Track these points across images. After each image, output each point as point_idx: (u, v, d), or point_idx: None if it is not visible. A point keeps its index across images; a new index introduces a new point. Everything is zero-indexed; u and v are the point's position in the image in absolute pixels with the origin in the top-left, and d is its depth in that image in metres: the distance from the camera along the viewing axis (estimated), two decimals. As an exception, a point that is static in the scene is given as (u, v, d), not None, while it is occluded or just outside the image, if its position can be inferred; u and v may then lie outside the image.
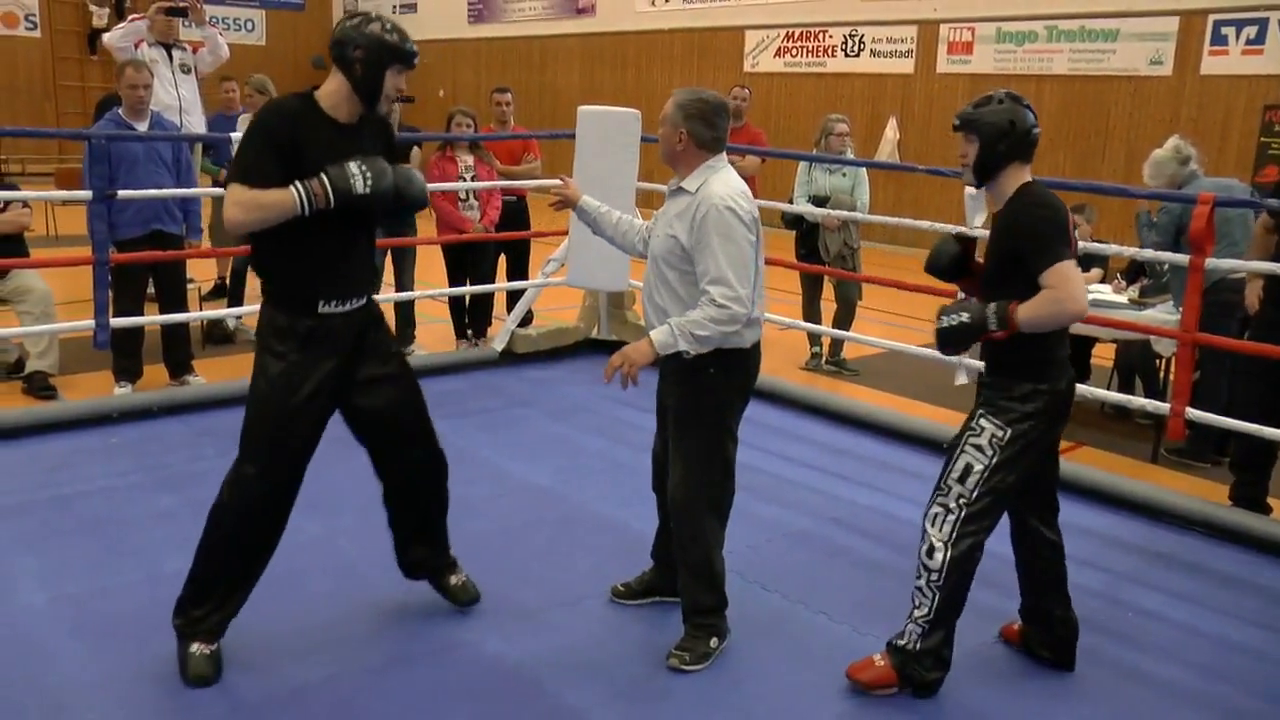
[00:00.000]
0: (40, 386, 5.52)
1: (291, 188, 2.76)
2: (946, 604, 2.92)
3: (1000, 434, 2.90)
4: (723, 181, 3.01)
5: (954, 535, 2.89)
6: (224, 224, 2.88)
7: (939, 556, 2.90)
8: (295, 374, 2.93)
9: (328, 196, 2.77)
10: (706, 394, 3.08)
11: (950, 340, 2.98)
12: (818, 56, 13.16)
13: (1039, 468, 3.04)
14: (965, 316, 2.92)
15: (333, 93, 2.88)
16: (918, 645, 2.95)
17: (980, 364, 3.17)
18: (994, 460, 2.89)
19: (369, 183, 2.80)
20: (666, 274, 3.06)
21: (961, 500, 2.90)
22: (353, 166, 2.79)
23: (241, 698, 2.91)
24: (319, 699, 2.92)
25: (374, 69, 2.84)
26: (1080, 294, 2.79)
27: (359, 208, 2.84)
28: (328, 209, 2.79)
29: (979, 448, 2.91)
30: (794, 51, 13.42)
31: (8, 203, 5.73)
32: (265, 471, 2.99)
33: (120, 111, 5.59)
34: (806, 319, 6.69)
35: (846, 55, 12.83)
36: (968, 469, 2.91)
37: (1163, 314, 5.37)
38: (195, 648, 2.96)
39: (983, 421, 2.94)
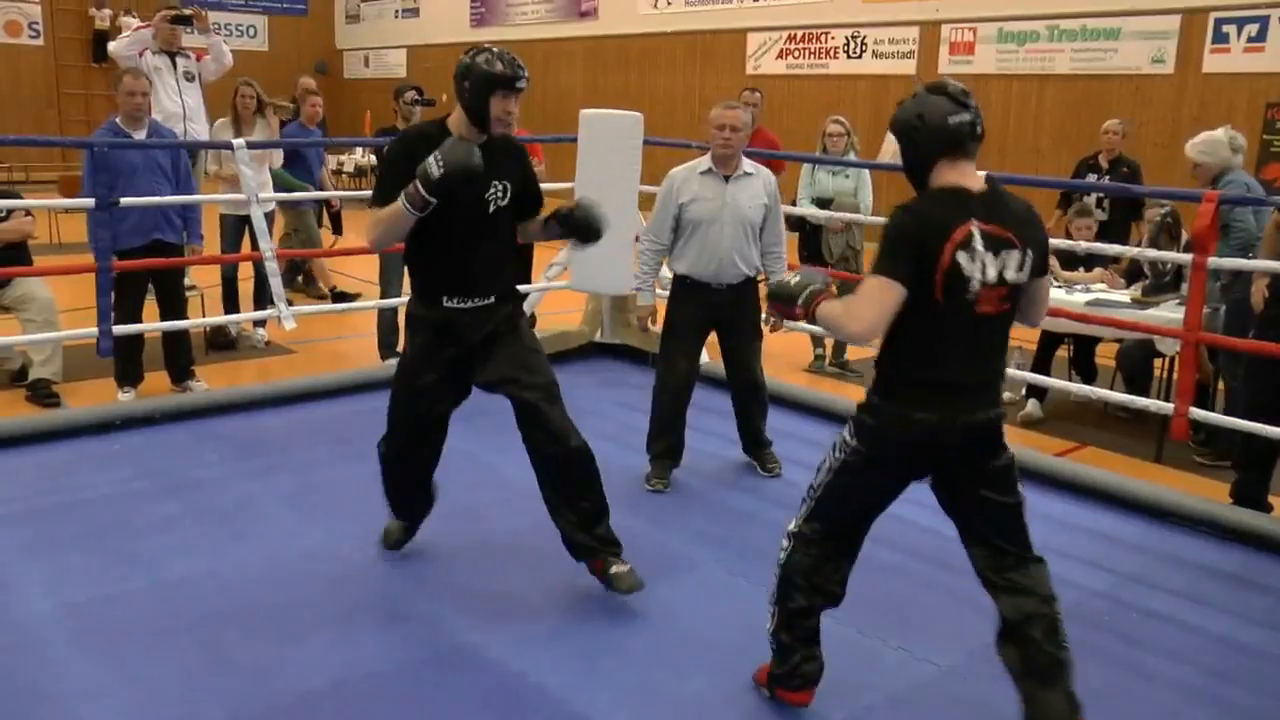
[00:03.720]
0: (43, 394, 5.53)
1: (399, 197, 3.13)
2: (774, 598, 2.86)
3: (843, 447, 2.71)
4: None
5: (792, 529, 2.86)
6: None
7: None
8: (420, 358, 3.46)
9: (419, 191, 3.09)
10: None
11: (773, 297, 2.79)
12: (820, 58, 13.16)
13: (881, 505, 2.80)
14: (793, 281, 2.72)
15: (457, 119, 3.31)
16: (770, 641, 2.92)
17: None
18: (829, 476, 2.75)
19: (441, 163, 3.06)
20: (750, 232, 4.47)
21: (809, 492, 2.83)
22: (430, 157, 3.08)
23: (246, 706, 2.90)
24: (324, 706, 2.92)
25: (480, 97, 3.22)
26: (866, 317, 2.50)
27: (447, 191, 3.11)
28: (428, 204, 3.12)
29: (831, 449, 2.75)
30: (796, 54, 13.42)
31: (10, 211, 5.74)
32: (393, 433, 3.64)
33: (118, 120, 5.59)
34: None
35: (849, 57, 12.83)
36: (819, 467, 2.79)
37: (1166, 313, 5.36)
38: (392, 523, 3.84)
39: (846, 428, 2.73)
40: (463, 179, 3.11)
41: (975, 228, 2.49)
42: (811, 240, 6.81)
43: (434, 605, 3.48)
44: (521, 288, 6.57)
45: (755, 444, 4.82)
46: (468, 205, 3.26)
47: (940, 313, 2.52)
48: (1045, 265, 2.66)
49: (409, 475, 3.70)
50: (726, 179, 4.45)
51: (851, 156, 6.95)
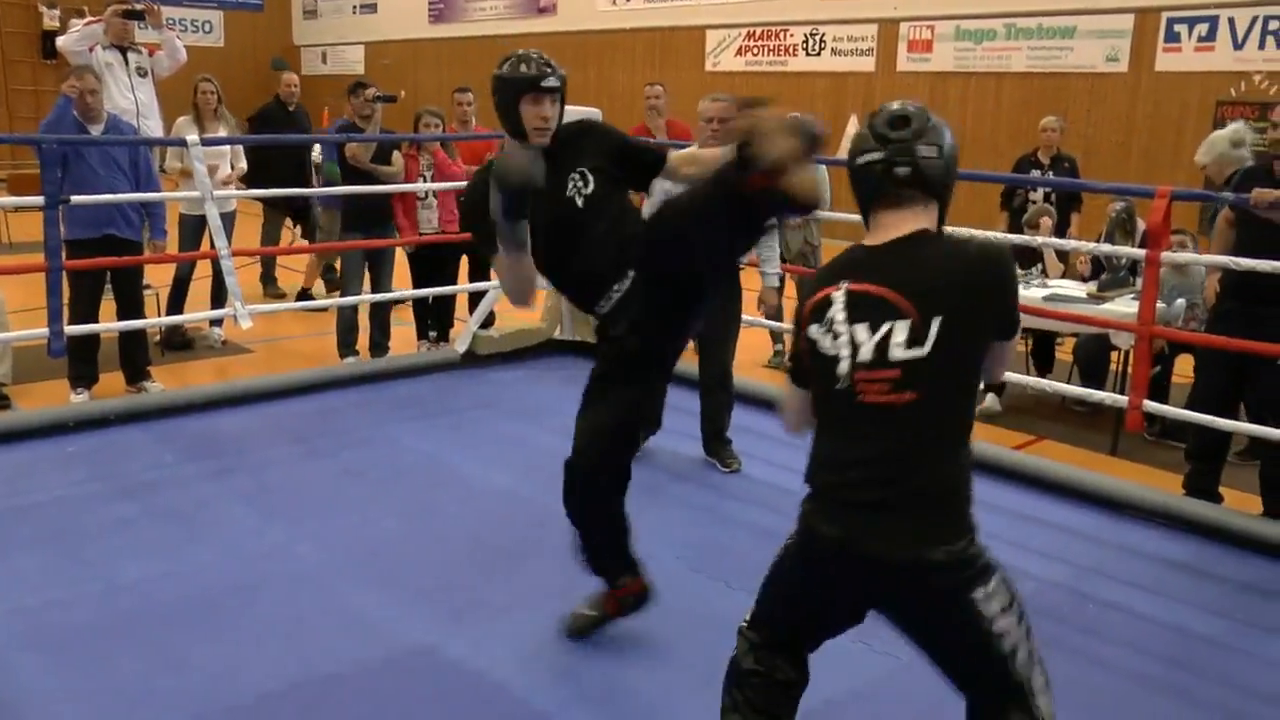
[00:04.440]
0: (-5, 396, 5.43)
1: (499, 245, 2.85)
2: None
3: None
4: None
5: None
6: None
7: None
8: (600, 360, 3.21)
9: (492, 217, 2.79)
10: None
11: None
12: (779, 55, 13.20)
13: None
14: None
15: (509, 139, 3.11)
16: None
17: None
18: (774, 560, 2.24)
19: (499, 191, 2.73)
20: None
21: None
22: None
23: (204, 708, 2.87)
24: (283, 708, 2.89)
25: (509, 105, 2.98)
26: (788, 414, 2.23)
27: (521, 213, 2.76)
28: (515, 227, 2.77)
29: None
30: (755, 50, 13.45)
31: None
32: (611, 478, 3.29)
33: (65, 114, 5.51)
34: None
35: (808, 54, 12.88)
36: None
37: (1121, 307, 5.43)
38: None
39: None
40: (520, 189, 2.71)
41: (838, 292, 1.99)
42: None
43: (393, 605, 3.46)
44: (481, 285, 6.61)
45: (716, 439, 4.83)
46: (551, 216, 2.97)
47: (821, 404, 2.07)
48: (1001, 329, 2.03)
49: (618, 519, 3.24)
50: None
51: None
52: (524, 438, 5.11)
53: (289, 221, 8.63)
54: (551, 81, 2.96)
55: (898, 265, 1.97)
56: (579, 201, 2.99)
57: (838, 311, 1.98)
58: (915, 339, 1.90)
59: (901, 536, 1.93)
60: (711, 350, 4.74)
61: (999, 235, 5.39)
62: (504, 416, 5.47)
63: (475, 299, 6.70)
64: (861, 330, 1.94)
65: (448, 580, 3.65)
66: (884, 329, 1.92)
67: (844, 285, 1.98)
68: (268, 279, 8.36)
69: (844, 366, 1.95)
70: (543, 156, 2.95)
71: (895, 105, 2.10)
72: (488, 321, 6.62)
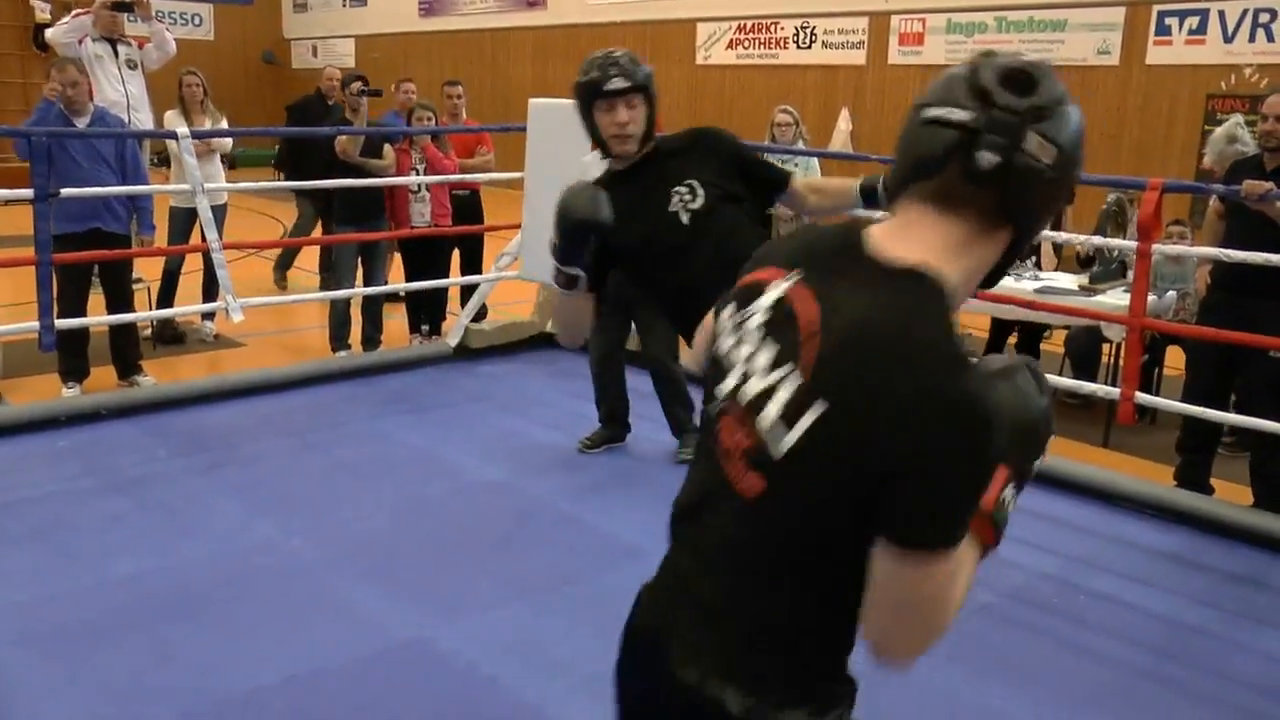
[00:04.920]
0: (-16, 391, 5.41)
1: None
2: None
3: None
4: None
5: None
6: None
7: None
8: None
9: (559, 271, 2.50)
10: None
11: None
12: (770, 48, 13.19)
13: None
14: None
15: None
16: None
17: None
18: None
19: (556, 231, 2.46)
20: None
21: None
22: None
23: (196, 702, 2.87)
24: (274, 702, 2.89)
25: (584, 115, 2.69)
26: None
27: (581, 255, 2.48)
28: (576, 279, 2.50)
29: None
30: (746, 44, 13.44)
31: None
32: None
33: (48, 106, 5.49)
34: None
35: (799, 47, 12.87)
36: None
37: (1113, 299, 5.44)
38: None
39: None
40: (578, 229, 2.43)
41: (783, 285, 1.26)
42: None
43: (384, 599, 3.45)
44: (473, 279, 6.60)
45: (678, 431, 4.79)
46: (650, 232, 2.67)
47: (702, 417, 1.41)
48: (895, 521, 1.14)
49: None
50: None
51: (800, 146, 6.98)
52: (516, 431, 5.11)
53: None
54: (617, 83, 2.58)
55: (854, 297, 1.19)
56: (684, 217, 2.68)
57: (762, 313, 1.27)
58: (787, 414, 1.18)
59: (704, 667, 1.29)
60: (645, 341, 4.82)
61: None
62: (496, 409, 5.46)
63: (467, 292, 6.69)
64: (765, 355, 1.24)
65: (439, 573, 3.64)
66: (778, 374, 1.21)
67: (793, 281, 1.25)
68: (284, 266, 8.27)
69: (726, 385, 1.28)
70: (623, 180, 2.66)
71: (1016, 59, 1.29)
72: (480, 315, 6.62)
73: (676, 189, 2.68)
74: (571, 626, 3.33)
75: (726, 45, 13.65)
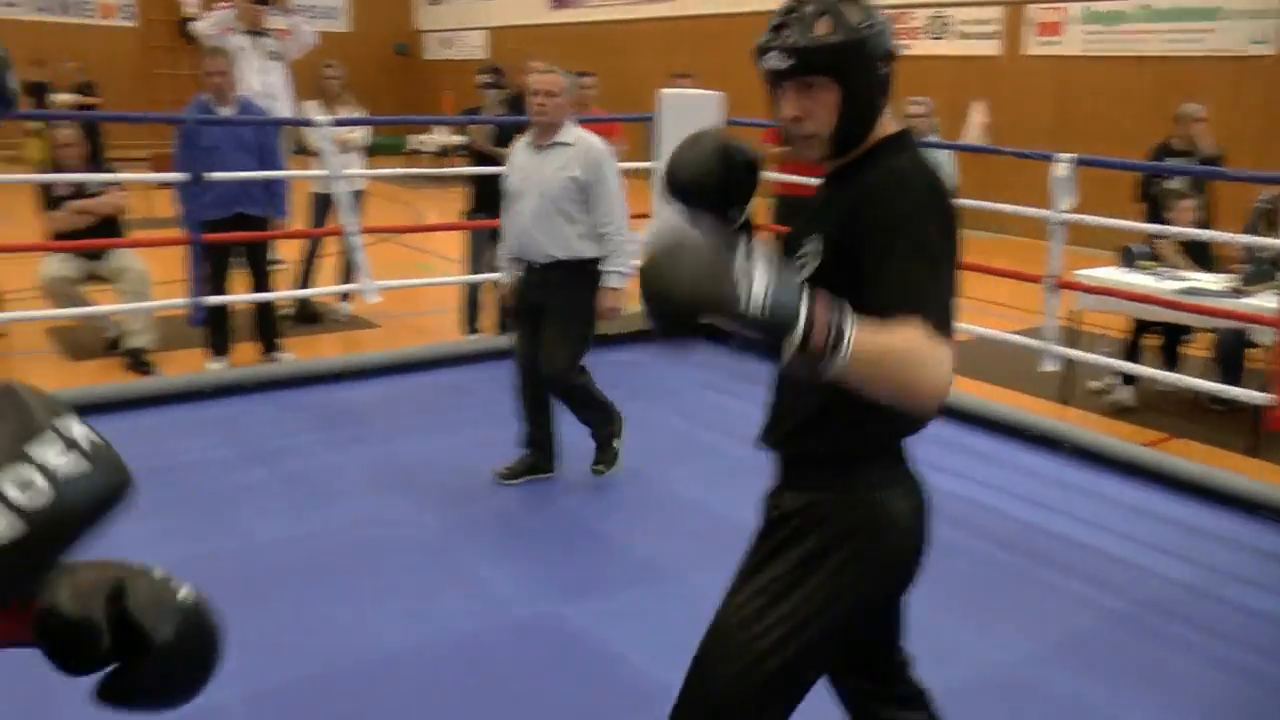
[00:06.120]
0: (139, 362, 5.69)
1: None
2: None
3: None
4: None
5: None
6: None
7: None
8: None
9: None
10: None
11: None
12: (901, 39, 12.96)
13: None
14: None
15: None
16: None
17: (1065, 350, 3.07)
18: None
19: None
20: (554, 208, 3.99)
21: None
22: None
23: (334, 662, 2.97)
24: (406, 668, 2.98)
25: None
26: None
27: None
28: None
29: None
30: (877, 34, 13.24)
31: (106, 186, 5.92)
32: None
33: (203, 97, 5.75)
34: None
35: (932, 38, 12.62)
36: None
37: (1265, 302, 5.20)
38: None
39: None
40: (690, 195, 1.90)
41: None
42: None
43: (514, 575, 3.52)
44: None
45: (603, 446, 4.36)
46: None
47: None
48: None
49: None
50: (540, 149, 4.09)
51: (933, 139, 6.84)
52: (648, 418, 5.11)
53: None
54: (774, 61, 1.66)
55: None
56: (804, 271, 1.75)
57: None
58: None
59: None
60: (541, 348, 4.16)
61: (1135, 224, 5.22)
62: (627, 396, 5.48)
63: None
64: None
65: (568, 555, 3.70)
66: None
67: None
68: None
69: None
70: (823, 189, 1.81)
71: None
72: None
73: (813, 237, 1.72)
74: (699, 611, 3.33)
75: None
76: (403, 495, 4.13)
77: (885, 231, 1.58)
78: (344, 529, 3.83)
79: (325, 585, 3.41)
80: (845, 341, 1.42)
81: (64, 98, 12.06)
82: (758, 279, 1.39)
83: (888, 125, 1.74)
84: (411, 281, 7.29)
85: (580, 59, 16.38)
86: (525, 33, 18.08)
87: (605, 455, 4.32)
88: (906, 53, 12.81)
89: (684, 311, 1.42)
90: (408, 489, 4.18)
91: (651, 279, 1.42)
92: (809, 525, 1.73)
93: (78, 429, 0.92)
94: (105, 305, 5.83)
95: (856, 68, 1.67)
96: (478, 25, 19.72)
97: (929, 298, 1.53)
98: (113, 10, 17.57)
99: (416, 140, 16.64)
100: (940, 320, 1.52)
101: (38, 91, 13.04)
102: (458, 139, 13.37)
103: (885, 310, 1.49)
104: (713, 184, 1.90)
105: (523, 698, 2.87)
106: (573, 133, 4.07)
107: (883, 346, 1.45)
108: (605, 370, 5.93)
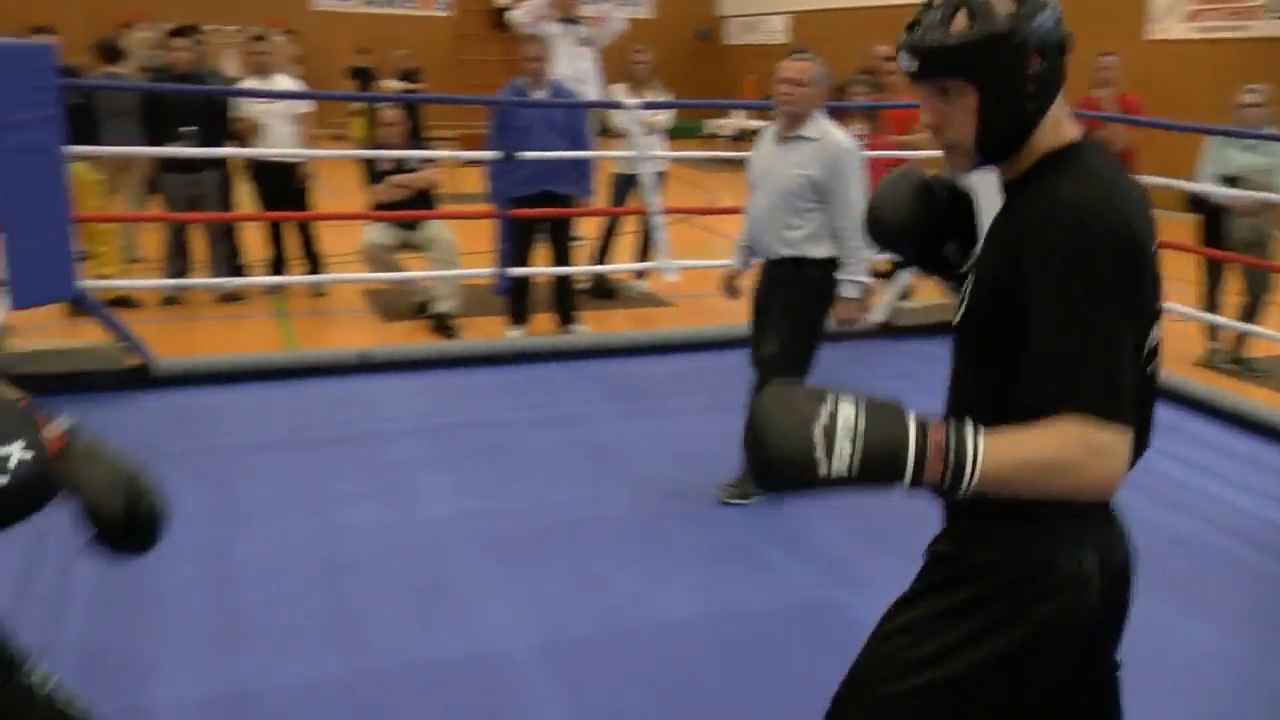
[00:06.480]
0: (445, 326, 6.10)
1: None
2: None
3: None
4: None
5: None
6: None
7: None
8: None
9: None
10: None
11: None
12: (1237, 20, 11.89)
13: None
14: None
15: None
16: None
17: None
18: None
19: None
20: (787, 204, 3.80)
21: None
22: None
23: (619, 623, 3.07)
24: (690, 636, 3.04)
25: None
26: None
27: None
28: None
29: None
30: (1209, 14, 12.19)
31: (423, 162, 6.37)
32: None
33: (518, 82, 6.06)
34: (1206, 310, 6.13)
35: (1273, 17, 11.49)
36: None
37: None
38: None
39: None
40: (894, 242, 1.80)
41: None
42: (1213, 222, 6.21)
43: (795, 558, 3.53)
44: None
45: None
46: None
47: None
48: None
49: None
50: (783, 140, 3.88)
51: (1270, 130, 6.24)
52: (933, 411, 4.99)
53: None
54: (904, 62, 1.47)
55: None
56: (958, 311, 1.60)
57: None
58: None
59: None
60: (762, 336, 3.99)
61: None
62: (914, 389, 5.36)
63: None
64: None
65: (847, 546, 3.66)
66: None
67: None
68: None
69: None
70: (1006, 199, 1.53)
71: None
72: (905, 294, 6.54)
73: (974, 268, 1.55)
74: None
75: (1185, 17, 12.44)
76: (689, 470, 4.20)
77: (1040, 293, 1.36)
78: (630, 498, 3.95)
79: (611, 551, 3.54)
80: (968, 468, 1.32)
81: (390, 83, 13.00)
82: (840, 437, 1.32)
83: (1063, 130, 1.47)
84: (710, 262, 7.36)
85: (884, 44, 16.06)
86: (828, 17, 17.89)
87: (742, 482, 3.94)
88: (1241, 35, 11.76)
89: (777, 486, 1.39)
90: (696, 464, 4.24)
91: (746, 443, 1.37)
92: (969, 574, 1.53)
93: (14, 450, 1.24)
94: (416, 271, 6.27)
95: (996, 67, 1.41)
96: (780, 10, 19.70)
97: (1084, 384, 1.32)
98: (430, 1, 18.88)
99: (714, 124, 16.90)
100: (1107, 404, 1.31)
101: (362, 76, 14.07)
102: (756, 124, 13.51)
103: (1031, 400, 1.35)
104: (913, 226, 1.74)
105: (803, 678, 2.87)
106: (819, 126, 3.80)
107: (1019, 460, 1.32)
108: (896, 360, 5.79)
